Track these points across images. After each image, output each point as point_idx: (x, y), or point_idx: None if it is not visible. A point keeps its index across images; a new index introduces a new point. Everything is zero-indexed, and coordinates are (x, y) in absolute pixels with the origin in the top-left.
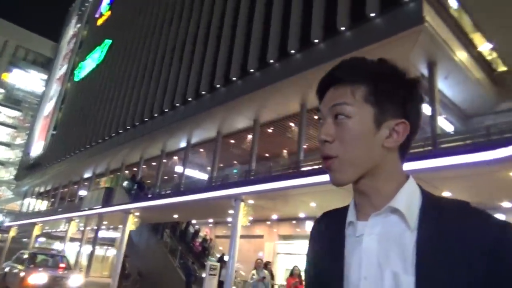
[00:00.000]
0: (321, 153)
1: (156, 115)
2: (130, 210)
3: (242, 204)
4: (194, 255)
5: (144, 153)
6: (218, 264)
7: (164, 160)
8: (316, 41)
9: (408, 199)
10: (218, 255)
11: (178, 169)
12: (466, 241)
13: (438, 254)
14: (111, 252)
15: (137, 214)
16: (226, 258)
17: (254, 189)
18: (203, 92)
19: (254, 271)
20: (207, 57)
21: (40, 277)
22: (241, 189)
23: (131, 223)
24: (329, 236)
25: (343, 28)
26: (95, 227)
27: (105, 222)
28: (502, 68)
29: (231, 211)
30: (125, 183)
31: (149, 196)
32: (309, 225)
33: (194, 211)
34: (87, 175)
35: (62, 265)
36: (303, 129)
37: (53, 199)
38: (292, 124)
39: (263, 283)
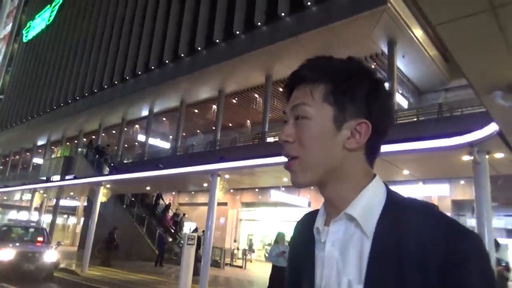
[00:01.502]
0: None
1: (116, 82)
2: (101, 182)
3: (218, 178)
4: (164, 226)
5: (104, 121)
6: (196, 234)
7: (125, 129)
8: (283, 14)
9: (367, 204)
10: (186, 223)
11: (140, 137)
12: (419, 252)
13: (390, 263)
14: (72, 220)
15: (108, 186)
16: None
17: (232, 165)
18: (167, 61)
19: (275, 246)
20: (170, 24)
21: (5, 253)
22: (219, 165)
23: (102, 195)
24: (305, 241)
25: (309, 3)
26: (56, 197)
27: (71, 193)
28: None
29: (205, 184)
30: (80, 150)
31: (111, 164)
32: (272, 193)
33: (168, 183)
34: (41, 142)
35: (40, 238)
36: (268, 101)
37: (2, 167)
38: (256, 96)
39: (284, 257)
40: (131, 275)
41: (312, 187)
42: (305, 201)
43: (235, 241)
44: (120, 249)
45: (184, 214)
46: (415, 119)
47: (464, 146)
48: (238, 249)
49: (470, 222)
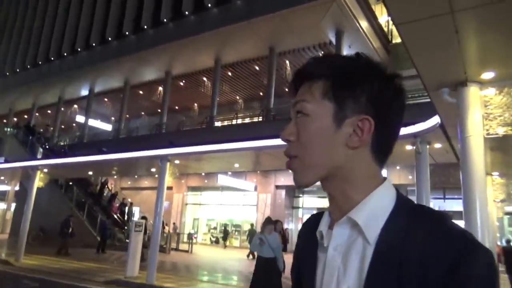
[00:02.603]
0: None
1: (52, 58)
2: (38, 166)
3: (168, 164)
4: (106, 212)
5: (38, 100)
6: (144, 221)
7: (62, 109)
8: None
9: (373, 209)
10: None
11: (79, 118)
12: (421, 266)
13: (390, 274)
14: (0, 206)
15: (46, 170)
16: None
17: (184, 151)
18: (110, 38)
19: (259, 234)
20: None
21: None
22: (170, 150)
23: (39, 180)
24: (308, 243)
25: None
26: None
27: (1, 177)
28: (398, 40)
29: (153, 169)
30: (9, 130)
31: (46, 146)
32: (219, 178)
33: (113, 168)
34: None
35: None
36: (217, 84)
37: None
38: (205, 79)
39: (267, 246)
40: (72, 263)
41: (258, 171)
42: (252, 186)
43: (166, 225)
44: (54, 236)
45: (131, 203)
46: None
47: (408, 137)
48: (168, 232)
49: None
